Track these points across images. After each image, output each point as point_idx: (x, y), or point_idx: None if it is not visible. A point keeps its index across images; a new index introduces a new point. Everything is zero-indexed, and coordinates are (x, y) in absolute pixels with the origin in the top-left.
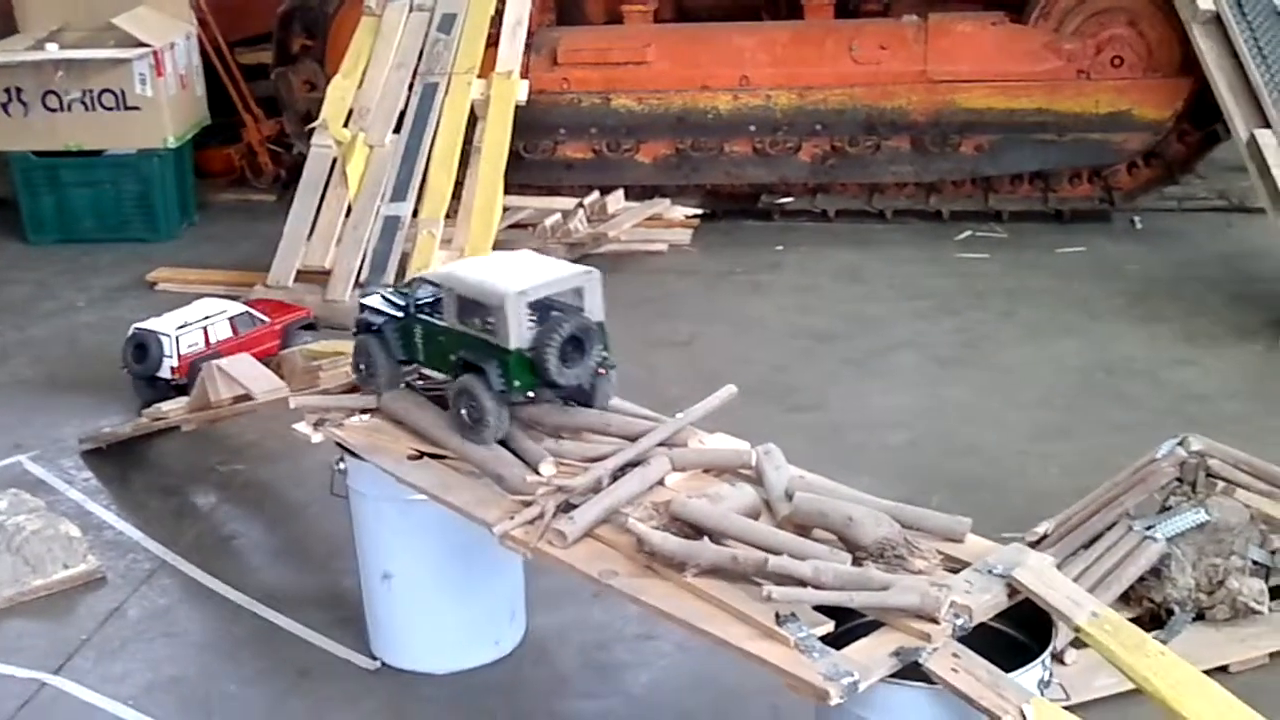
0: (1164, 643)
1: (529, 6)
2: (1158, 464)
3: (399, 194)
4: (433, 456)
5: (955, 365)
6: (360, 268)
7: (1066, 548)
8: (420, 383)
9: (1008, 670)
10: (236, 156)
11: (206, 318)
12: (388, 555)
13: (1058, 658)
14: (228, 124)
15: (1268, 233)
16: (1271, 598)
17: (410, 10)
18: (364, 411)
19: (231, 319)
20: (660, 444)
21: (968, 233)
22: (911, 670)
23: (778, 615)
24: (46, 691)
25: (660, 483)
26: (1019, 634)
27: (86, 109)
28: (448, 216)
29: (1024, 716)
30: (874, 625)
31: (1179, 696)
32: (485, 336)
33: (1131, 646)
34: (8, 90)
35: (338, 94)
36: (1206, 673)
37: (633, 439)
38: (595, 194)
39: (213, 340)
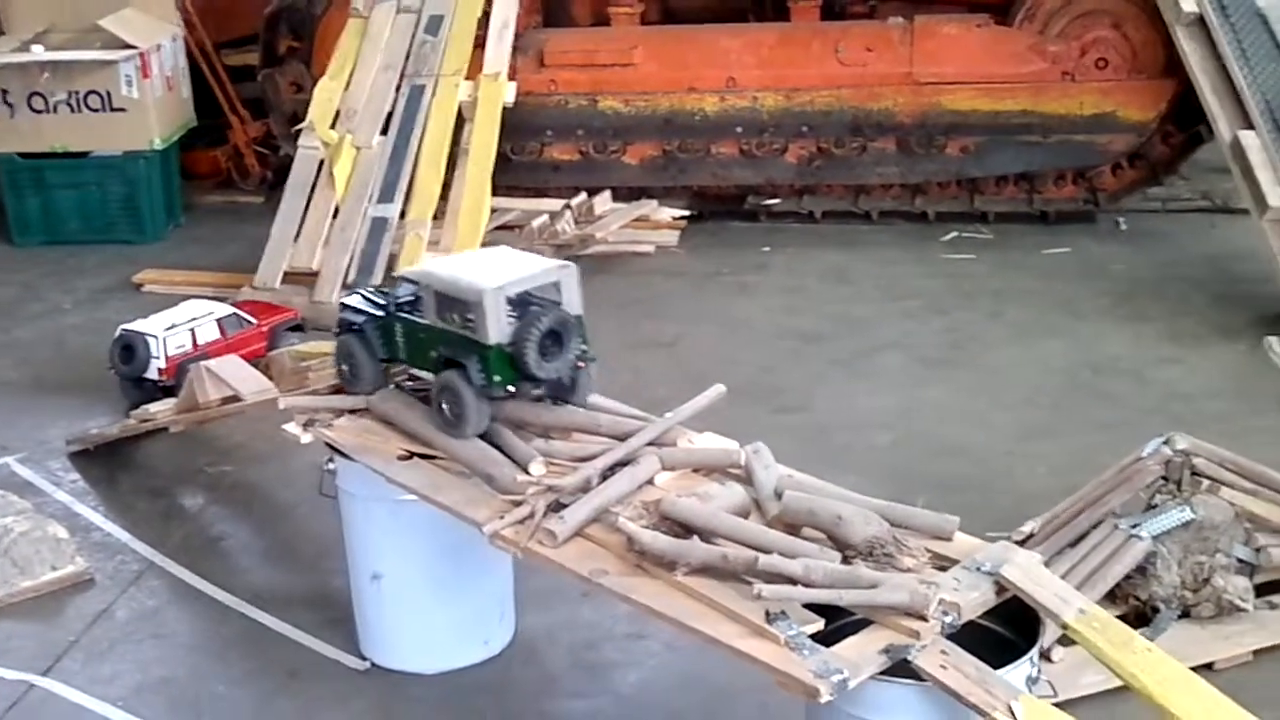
0: (1150, 640)
1: (516, 8)
2: (1143, 463)
3: (386, 195)
4: (422, 457)
5: (941, 366)
6: (348, 269)
7: (1053, 546)
8: (410, 383)
9: (996, 667)
10: (223, 158)
11: (194, 319)
12: (377, 555)
13: (1045, 655)
14: (214, 126)
15: (1251, 233)
16: (1256, 595)
17: (397, 12)
18: (353, 412)
19: (219, 320)
20: (649, 443)
21: (954, 234)
22: (901, 667)
23: (768, 613)
24: (35, 693)
25: (650, 482)
26: (1007, 631)
27: (72, 110)
28: (435, 218)
29: (1012, 713)
30: (863, 623)
31: (1166, 693)
32: (465, 332)
33: (1119, 643)
34: None
35: (325, 95)
36: (1192, 670)
37: (622, 439)
38: (582, 195)
39: (200, 342)
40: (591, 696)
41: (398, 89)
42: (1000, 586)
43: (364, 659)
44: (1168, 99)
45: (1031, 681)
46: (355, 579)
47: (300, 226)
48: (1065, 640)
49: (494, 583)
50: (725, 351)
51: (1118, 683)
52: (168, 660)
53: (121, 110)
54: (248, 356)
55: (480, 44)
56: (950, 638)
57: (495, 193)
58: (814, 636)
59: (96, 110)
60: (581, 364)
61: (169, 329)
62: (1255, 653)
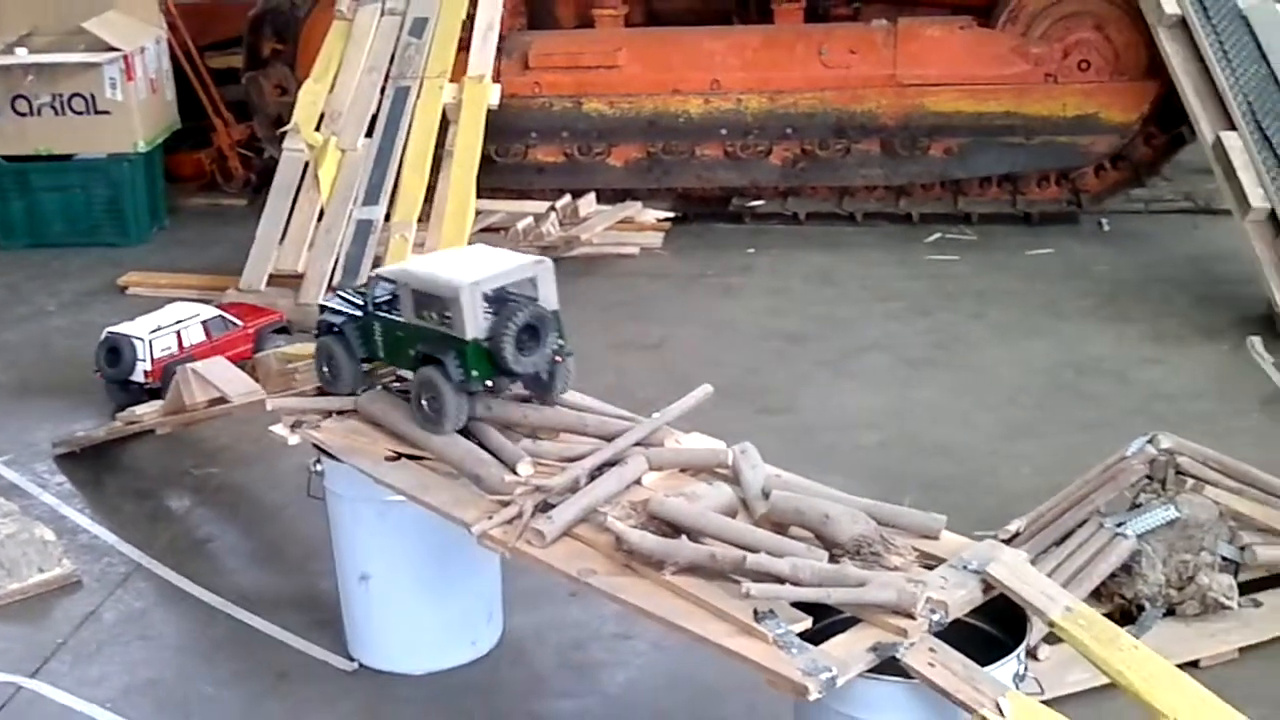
0: (1136, 638)
1: (500, 10)
2: (1128, 462)
3: (371, 198)
4: (410, 457)
5: (926, 366)
6: (333, 272)
7: (1038, 545)
8: (396, 384)
9: (983, 665)
10: (207, 161)
11: (179, 321)
12: (365, 556)
13: (1031, 653)
14: (198, 128)
15: (1233, 234)
16: (1241, 593)
17: (382, 14)
18: (340, 413)
19: (204, 323)
20: (637, 444)
21: (937, 235)
22: (889, 665)
23: (756, 612)
24: (23, 695)
25: (637, 482)
26: (994, 629)
27: (56, 113)
28: (420, 220)
29: (1000, 709)
30: (851, 621)
31: (1152, 690)
32: (442, 329)
33: (1105, 641)
34: None
35: (309, 98)
36: (1177, 668)
37: (609, 439)
38: (567, 197)
39: (186, 344)
40: (579, 696)
41: (382, 91)
42: (987, 584)
43: (352, 660)
44: (1150, 100)
45: (1019, 679)
46: (343, 580)
47: (285, 229)
48: (1052, 638)
49: (481, 583)
50: (710, 353)
51: (1104, 680)
52: (155, 662)
53: (106, 113)
54: (234, 359)
55: (465, 46)
56: (938, 636)
57: (480, 195)
58: (802, 635)
59: (81, 113)
60: (559, 358)
61: (154, 331)
62: (1241, 650)
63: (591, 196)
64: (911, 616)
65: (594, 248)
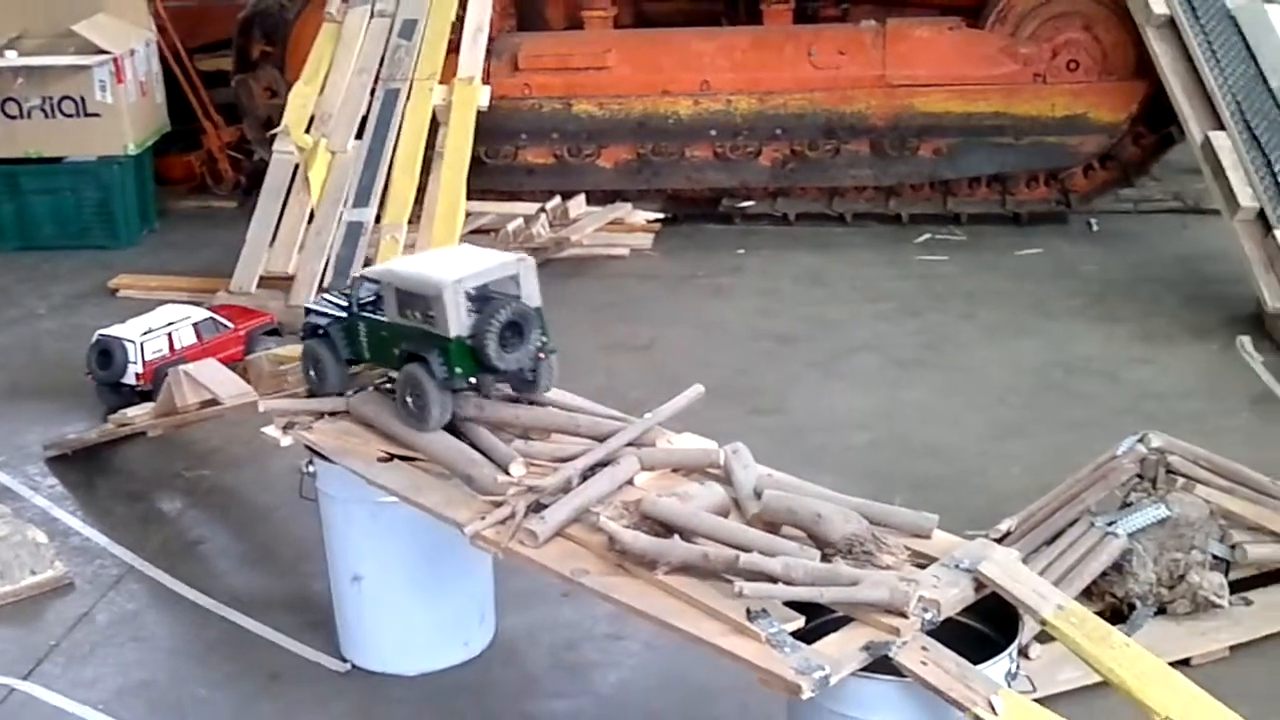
0: (1127, 637)
1: (489, 12)
2: (1118, 461)
3: (362, 199)
4: (402, 458)
5: (916, 366)
6: (323, 273)
7: (1029, 544)
8: (389, 385)
9: (976, 663)
10: (197, 163)
11: (171, 324)
12: (357, 558)
13: (1022, 652)
14: (188, 131)
15: (1222, 234)
16: (1231, 591)
17: (371, 16)
18: (333, 414)
19: (196, 325)
20: (629, 444)
21: (927, 235)
22: (882, 664)
23: (749, 611)
24: (16, 696)
25: (630, 482)
26: (986, 628)
27: (46, 116)
28: (410, 222)
29: (992, 707)
30: (844, 620)
31: (1144, 687)
32: (426, 327)
33: (1097, 639)
34: None
35: (299, 100)
36: (1168, 666)
37: (601, 439)
38: (557, 199)
39: (177, 346)
40: (572, 696)
41: (372, 93)
42: (979, 583)
43: (344, 661)
44: (1139, 100)
45: (1011, 677)
46: (335, 581)
47: (276, 231)
48: (1043, 637)
49: (474, 584)
50: (700, 353)
51: (1095, 678)
52: (148, 664)
53: (96, 115)
54: (225, 361)
55: (454, 48)
56: (930, 634)
57: (470, 196)
58: (795, 634)
59: (71, 115)
60: (542, 355)
61: (146, 334)
62: (1231, 648)
63: (581, 198)
64: (904, 615)
65: (584, 249)
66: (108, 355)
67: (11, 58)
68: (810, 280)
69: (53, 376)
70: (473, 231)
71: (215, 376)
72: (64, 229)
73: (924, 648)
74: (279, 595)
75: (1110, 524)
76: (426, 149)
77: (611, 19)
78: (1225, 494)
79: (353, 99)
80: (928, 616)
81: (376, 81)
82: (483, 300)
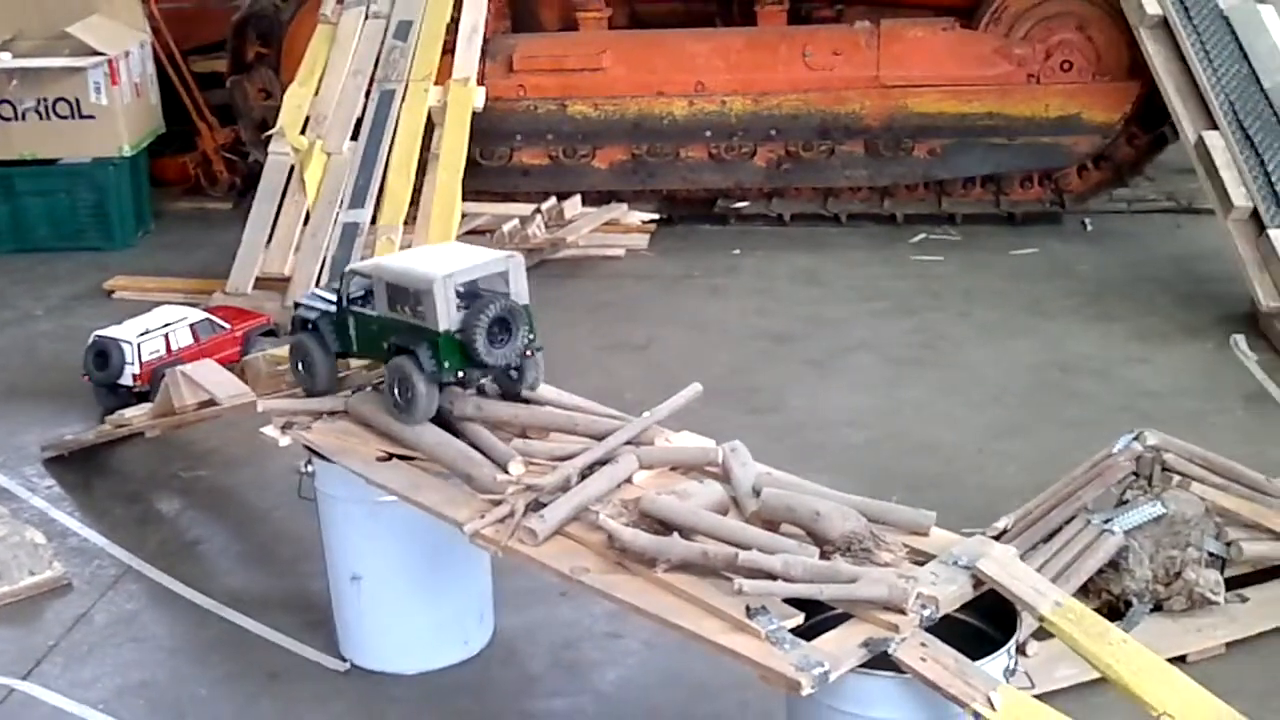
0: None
1: (484, 13)
2: (1115, 459)
3: (357, 200)
4: (401, 458)
5: (912, 365)
6: (319, 274)
7: (1026, 542)
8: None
9: (974, 660)
10: (191, 165)
11: (167, 325)
12: (357, 557)
13: (1020, 649)
14: (182, 132)
15: (1216, 233)
16: (1227, 588)
17: (366, 18)
18: (331, 414)
19: (192, 326)
20: (627, 443)
21: (922, 235)
22: (881, 660)
23: (748, 608)
24: (16, 697)
25: (628, 481)
26: (984, 625)
27: (41, 118)
28: (406, 223)
29: (991, 703)
30: (843, 617)
31: (1142, 683)
32: (415, 321)
33: (1095, 635)
34: None
35: (294, 101)
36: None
37: (600, 438)
38: (552, 200)
39: (174, 347)
40: (571, 695)
41: (367, 94)
42: (977, 580)
43: (344, 660)
44: (1132, 101)
45: (1009, 673)
46: (335, 580)
47: (271, 232)
48: (1040, 634)
49: (473, 583)
50: (697, 353)
51: (1092, 675)
52: (147, 663)
53: (90, 117)
54: (222, 361)
55: (449, 49)
56: (929, 631)
57: (465, 198)
58: (794, 631)
59: (65, 117)
60: (529, 353)
61: (143, 335)
62: (1227, 645)
63: (577, 199)
64: (903, 612)
65: (580, 250)
66: (104, 356)
67: (6, 60)
68: (806, 280)
69: (49, 378)
70: (468, 232)
71: (213, 377)
72: (59, 231)
73: (923, 644)
74: (278, 595)
75: (1107, 521)
76: (422, 150)
77: (606, 20)
78: (1221, 491)
79: (348, 100)
80: (926, 613)
81: (371, 83)
82: (472, 296)
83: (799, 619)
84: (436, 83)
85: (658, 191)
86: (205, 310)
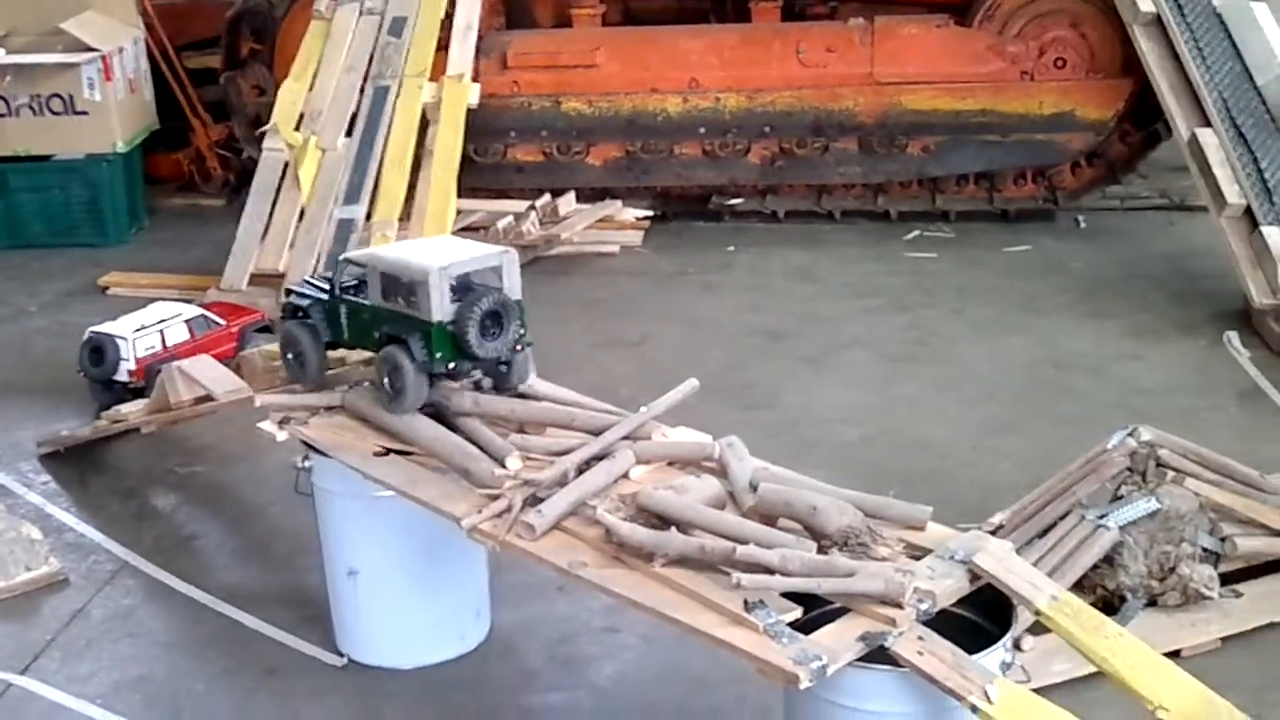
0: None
1: (479, 10)
2: (1109, 454)
3: (352, 197)
4: (399, 453)
5: (906, 362)
6: (314, 271)
7: (1021, 537)
8: None
9: (971, 654)
10: (185, 161)
11: (163, 321)
12: (353, 552)
13: (1015, 644)
14: (176, 129)
15: (1209, 230)
16: (1221, 583)
17: (360, 14)
18: (329, 409)
19: (188, 322)
20: (624, 438)
21: (916, 232)
22: (878, 654)
23: (746, 602)
24: (13, 691)
25: (626, 476)
26: (980, 619)
27: (34, 113)
28: (401, 219)
29: (988, 696)
30: (840, 611)
31: (1137, 676)
32: (408, 311)
33: (1091, 629)
34: None
35: (288, 97)
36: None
37: (597, 433)
38: (546, 196)
39: (170, 343)
40: (568, 690)
41: (362, 91)
42: (974, 574)
43: (341, 655)
44: (1126, 98)
45: (1006, 667)
46: (332, 575)
47: (266, 228)
48: (1035, 629)
49: (470, 578)
50: (692, 349)
51: (1088, 670)
52: (145, 658)
53: (84, 113)
54: (218, 357)
55: (444, 46)
56: (926, 625)
57: (459, 194)
58: (792, 625)
59: (59, 113)
60: (519, 347)
61: (138, 331)
62: (1221, 640)
63: (571, 195)
64: (900, 606)
65: (574, 246)
66: (100, 352)
67: (0, 55)
68: (800, 277)
69: (43, 374)
70: (463, 229)
71: (209, 372)
72: (53, 227)
73: (920, 638)
74: (274, 590)
75: (1101, 517)
76: (416, 146)
77: (600, 17)
78: (1215, 487)
79: (342, 96)
80: (923, 607)
81: (366, 79)
82: (464, 290)
83: (797, 613)
84: (431, 79)
85: (652, 188)
86: (201, 306)
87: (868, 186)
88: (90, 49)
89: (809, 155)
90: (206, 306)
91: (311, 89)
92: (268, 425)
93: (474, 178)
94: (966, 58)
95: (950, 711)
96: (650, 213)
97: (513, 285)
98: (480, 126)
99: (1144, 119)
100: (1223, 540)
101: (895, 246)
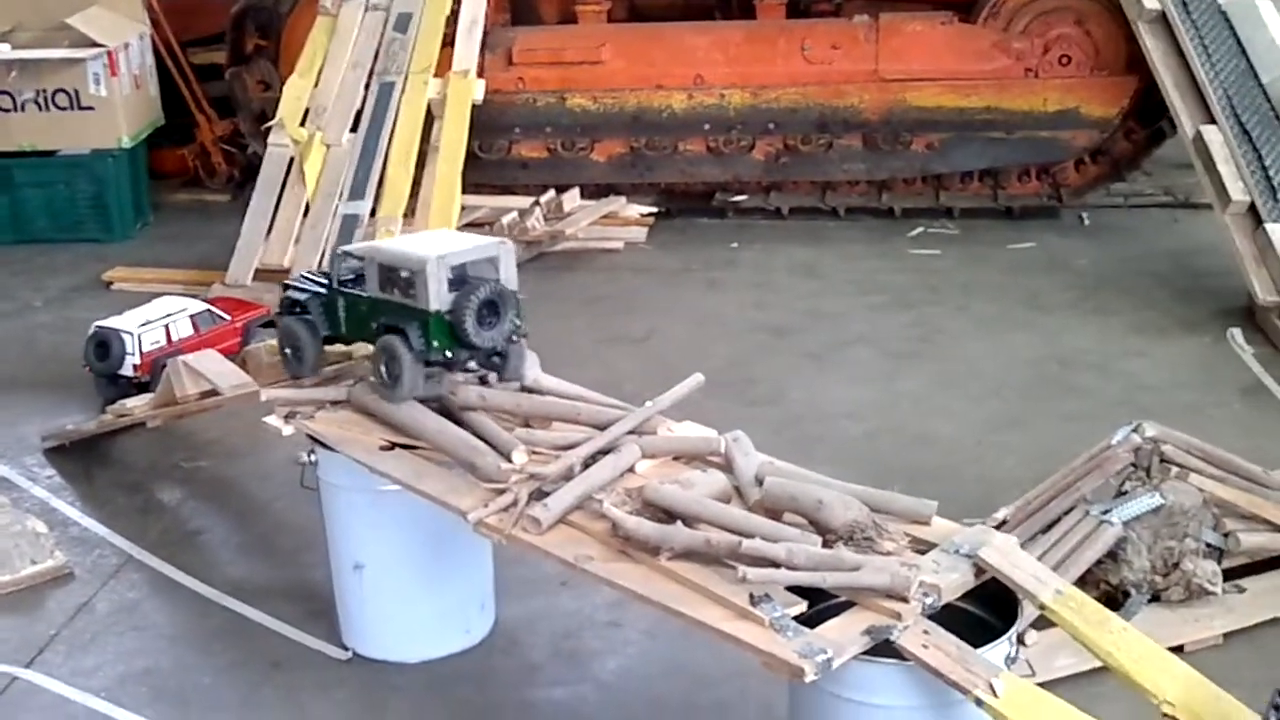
0: None
1: (484, 6)
2: (1113, 450)
3: (357, 192)
4: (404, 447)
5: (910, 358)
6: (319, 266)
7: (1025, 533)
8: None
9: (975, 648)
10: (190, 157)
11: (168, 315)
12: (359, 546)
13: (1019, 638)
14: (181, 124)
15: (1213, 228)
16: (1225, 579)
17: (366, 9)
18: (334, 403)
19: (193, 317)
20: (630, 432)
21: (920, 229)
22: (883, 648)
23: (752, 596)
24: (19, 684)
25: (631, 470)
26: (985, 613)
27: (40, 109)
28: (406, 215)
29: (993, 690)
30: (845, 605)
31: (1141, 670)
32: (406, 301)
33: (1095, 623)
34: None
35: (294, 93)
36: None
37: (602, 427)
38: (551, 192)
39: (175, 338)
40: (572, 684)
41: (367, 86)
42: (979, 568)
43: (346, 649)
44: (1130, 95)
45: (1010, 661)
46: (337, 569)
47: (271, 224)
48: (1039, 624)
49: (475, 572)
50: (696, 345)
51: (1090, 665)
52: (150, 652)
53: (89, 109)
54: (223, 353)
55: (449, 41)
56: (930, 619)
57: (464, 190)
58: (797, 619)
59: (65, 109)
60: (515, 338)
61: (144, 325)
62: (1225, 635)
63: (575, 191)
64: (905, 600)
65: (578, 242)
66: (105, 347)
67: (5, 51)
68: (804, 273)
69: (48, 369)
70: (467, 225)
71: (215, 367)
72: (58, 222)
73: (925, 631)
74: (280, 584)
75: (1105, 512)
76: (421, 142)
77: (605, 13)
78: (1219, 483)
79: (347, 92)
80: (928, 601)
81: (371, 75)
82: (460, 281)
83: (802, 607)
84: (436, 75)
85: (656, 185)
86: (206, 301)
87: (872, 183)
88: (96, 44)
89: (813, 152)
90: (211, 302)
91: (317, 85)
92: (273, 420)
93: (479, 174)
94: (971, 55)
95: (955, 705)
96: (654, 209)
97: (509, 276)
98: (485, 122)
99: (1148, 116)
100: (1226, 536)
101: (899, 243)
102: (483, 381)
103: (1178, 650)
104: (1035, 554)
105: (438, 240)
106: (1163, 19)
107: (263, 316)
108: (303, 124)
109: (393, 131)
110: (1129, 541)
